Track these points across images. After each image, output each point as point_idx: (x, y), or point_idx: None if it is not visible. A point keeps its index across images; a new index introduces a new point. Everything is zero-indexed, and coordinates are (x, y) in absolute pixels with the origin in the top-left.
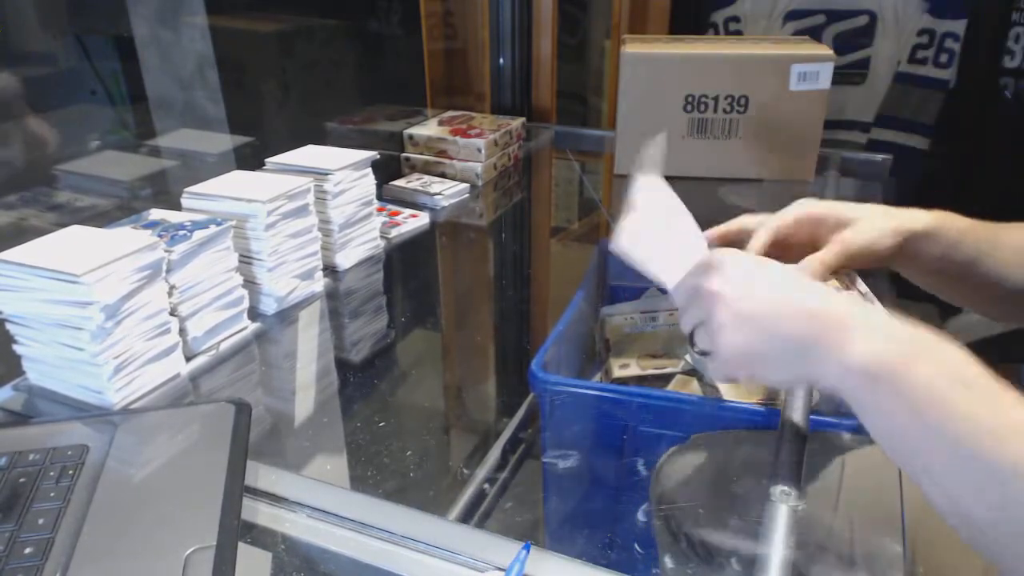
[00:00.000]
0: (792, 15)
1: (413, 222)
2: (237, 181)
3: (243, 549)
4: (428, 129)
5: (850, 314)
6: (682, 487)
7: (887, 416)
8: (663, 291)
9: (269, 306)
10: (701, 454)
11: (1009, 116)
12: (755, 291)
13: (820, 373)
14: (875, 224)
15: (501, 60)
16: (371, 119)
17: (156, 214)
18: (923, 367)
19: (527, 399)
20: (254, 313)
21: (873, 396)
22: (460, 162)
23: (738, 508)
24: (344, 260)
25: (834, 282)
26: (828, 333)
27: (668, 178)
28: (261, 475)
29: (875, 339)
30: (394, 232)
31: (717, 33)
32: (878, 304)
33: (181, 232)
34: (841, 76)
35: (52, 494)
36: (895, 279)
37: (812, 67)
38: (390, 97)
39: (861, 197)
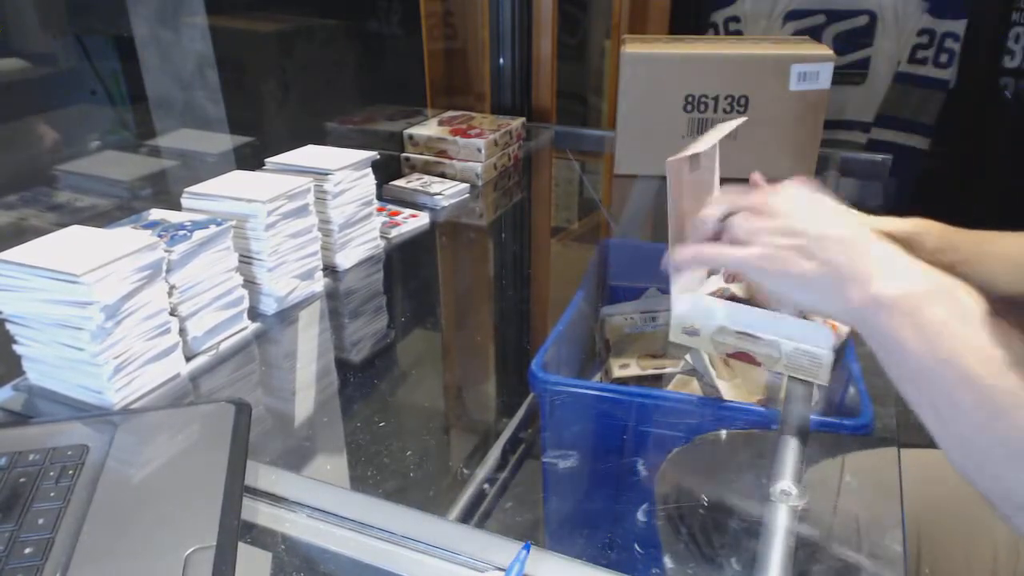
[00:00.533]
0: (792, 15)
1: (413, 222)
2: (237, 181)
3: (243, 549)
4: (428, 129)
5: (880, 250)
6: (685, 487)
7: (902, 347)
8: (663, 290)
9: (269, 306)
10: (704, 455)
11: (1009, 116)
12: (806, 211)
13: (844, 299)
14: None
15: (501, 60)
16: (371, 119)
17: (156, 214)
18: (939, 306)
19: (527, 399)
20: (254, 313)
21: (891, 327)
22: (460, 162)
23: (739, 508)
24: (344, 260)
25: None
26: (860, 263)
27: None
28: (261, 475)
29: (900, 276)
30: (394, 232)
31: (717, 33)
32: None
33: (181, 232)
34: (841, 76)
35: (52, 494)
36: None
37: (812, 67)
38: (390, 97)
39: (861, 197)
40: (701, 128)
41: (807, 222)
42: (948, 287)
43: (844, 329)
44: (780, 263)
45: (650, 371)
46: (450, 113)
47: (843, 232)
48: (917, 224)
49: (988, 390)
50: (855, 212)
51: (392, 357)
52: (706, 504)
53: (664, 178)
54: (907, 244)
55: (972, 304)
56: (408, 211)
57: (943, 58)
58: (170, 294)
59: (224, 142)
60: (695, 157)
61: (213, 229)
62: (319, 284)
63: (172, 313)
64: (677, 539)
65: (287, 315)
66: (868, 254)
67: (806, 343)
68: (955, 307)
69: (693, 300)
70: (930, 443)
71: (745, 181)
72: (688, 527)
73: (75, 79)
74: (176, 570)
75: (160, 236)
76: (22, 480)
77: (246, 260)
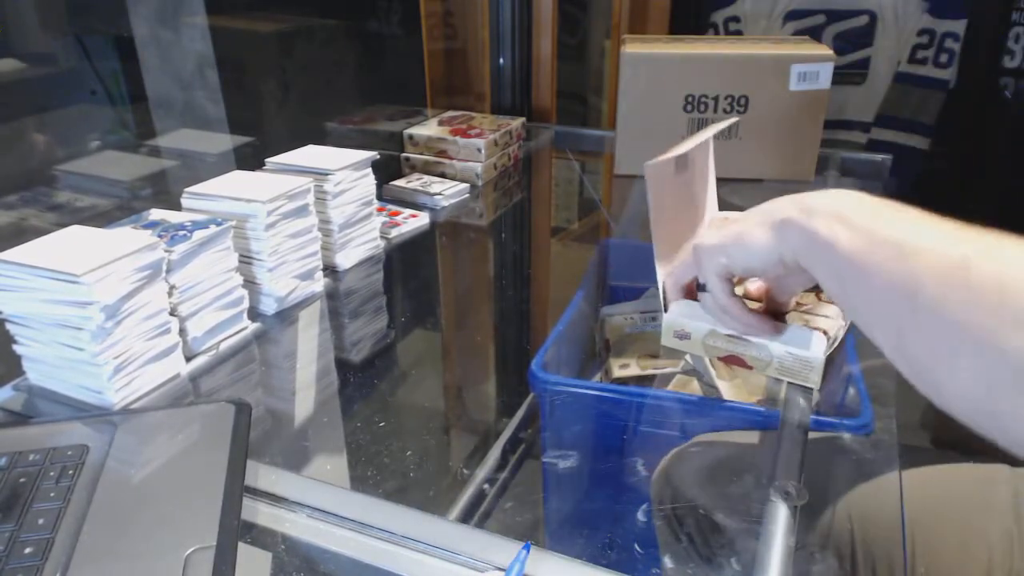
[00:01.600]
0: (792, 15)
1: (413, 222)
2: (237, 181)
3: (243, 549)
4: (428, 129)
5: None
6: (684, 487)
7: (835, 246)
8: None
9: (269, 306)
10: (703, 455)
11: (1009, 116)
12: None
13: (787, 231)
14: None
15: (501, 60)
16: (371, 119)
17: (156, 214)
18: (864, 205)
19: (527, 399)
20: (254, 313)
21: (825, 230)
22: (460, 162)
23: (738, 508)
24: (344, 260)
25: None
26: (791, 201)
27: None
28: (261, 475)
29: (827, 196)
30: (394, 232)
31: (717, 33)
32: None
33: (181, 232)
34: (841, 76)
35: (52, 494)
36: None
37: (812, 67)
38: (390, 97)
39: None
40: (701, 128)
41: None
42: (876, 199)
43: (836, 333)
44: (738, 239)
45: (650, 371)
46: (450, 113)
47: (791, 199)
48: None
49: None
50: None
51: (392, 357)
52: (704, 504)
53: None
54: None
55: (897, 206)
56: (408, 211)
57: (943, 58)
58: (170, 294)
59: (224, 142)
60: (681, 159)
61: (213, 229)
62: (319, 284)
63: (172, 313)
64: (676, 540)
65: (287, 315)
66: (813, 198)
67: (796, 347)
68: (877, 203)
69: (683, 305)
70: (930, 443)
71: (745, 181)
72: (686, 527)
73: (75, 79)
74: (176, 570)
75: (160, 236)
76: (22, 480)
77: (246, 260)
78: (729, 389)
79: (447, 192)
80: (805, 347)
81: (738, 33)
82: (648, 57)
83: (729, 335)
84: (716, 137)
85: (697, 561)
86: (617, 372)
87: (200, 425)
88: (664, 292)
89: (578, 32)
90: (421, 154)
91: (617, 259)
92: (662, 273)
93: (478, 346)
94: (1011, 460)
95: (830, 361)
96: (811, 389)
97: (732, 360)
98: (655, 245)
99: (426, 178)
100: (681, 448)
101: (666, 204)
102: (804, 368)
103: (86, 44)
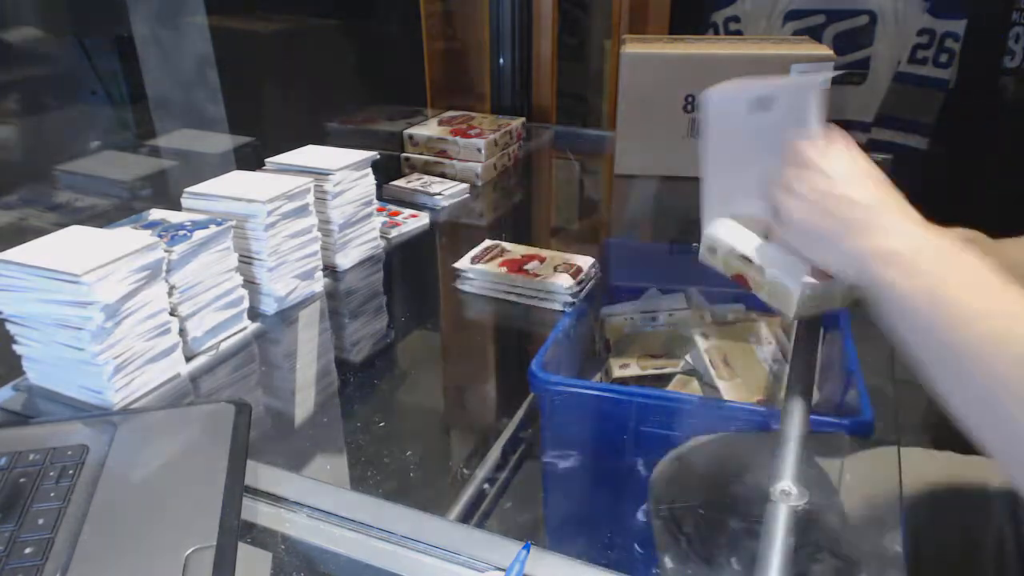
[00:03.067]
0: (792, 15)
1: (413, 222)
2: (237, 181)
3: (243, 549)
4: (428, 129)
5: (894, 210)
6: (682, 488)
7: (892, 289)
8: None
9: (269, 306)
10: (701, 455)
11: (1009, 116)
12: (833, 171)
13: (843, 251)
14: None
15: (501, 60)
16: (371, 119)
17: (156, 214)
18: (931, 253)
19: (527, 399)
20: (254, 313)
21: (883, 275)
22: (460, 162)
23: (738, 508)
24: (344, 260)
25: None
26: (871, 220)
27: (668, 178)
28: (261, 475)
29: (900, 233)
30: (394, 232)
31: (717, 33)
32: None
33: (181, 232)
34: (841, 76)
35: (52, 494)
36: None
37: (812, 67)
38: (390, 97)
39: None
40: (701, 127)
41: (838, 182)
42: (947, 244)
43: (840, 280)
44: (801, 220)
45: (650, 371)
46: (450, 113)
47: (864, 193)
48: (964, 235)
49: (982, 316)
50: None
51: (392, 357)
52: (704, 504)
53: (664, 178)
54: None
55: (968, 255)
56: (408, 211)
57: (943, 58)
58: (170, 294)
59: (224, 142)
60: (763, 100)
61: (213, 229)
62: (319, 284)
63: (172, 313)
64: (675, 541)
65: (287, 315)
66: (882, 214)
67: (783, 275)
68: (948, 254)
69: (718, 222)
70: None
71: None
72: (685, 528)
73: (75, 79)
74: (176, 570)
75: (160, 236)
76: (22, 480)
77: (246, 260)
78: (729, 389)
79: (447, 192)
80: (790, 278)
81: (738, 33)
82: (648, 57)
83: (743, 255)
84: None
85: (697, 561)
86: (617, 372)
87: (200, 425)
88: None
89: (578, 32)
90: (421, 154)
91: (617, 259)
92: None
93: (478, 346)
94: None
95: (830, 361)
96: (811, 387)
97: (739, 279)
98: (705, 181)
99: (426, 178)
100: (679, 449)
101: (726, 147)
102: (785, 296)
103: (86, 44)
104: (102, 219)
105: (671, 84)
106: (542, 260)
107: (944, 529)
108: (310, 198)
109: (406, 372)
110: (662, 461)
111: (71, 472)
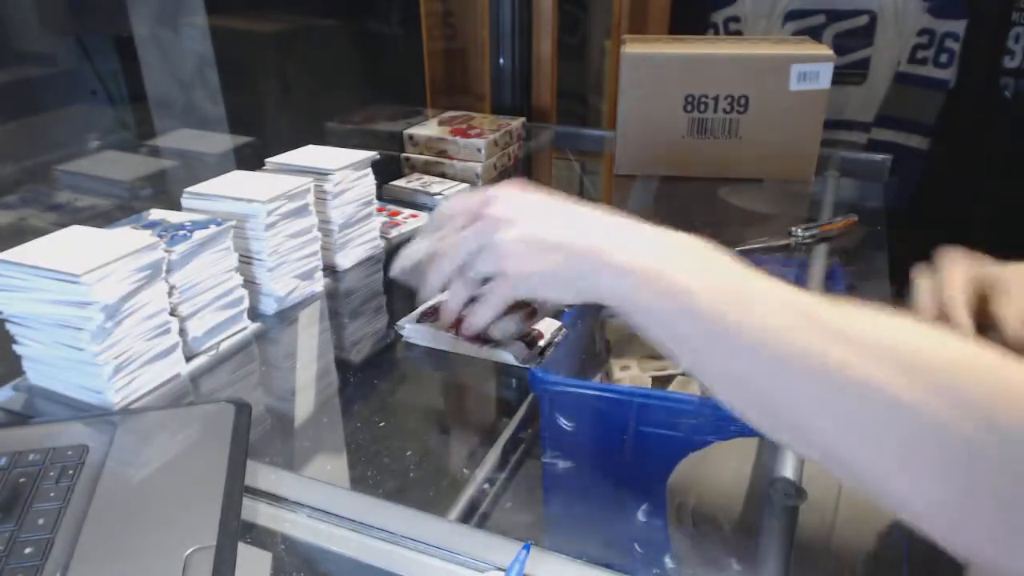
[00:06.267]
0: (792, 15)
1: (413, 222)
2: (237, 181)
3: (243, 549)
4: (428, 129)
5: (619, 226)
6: (699, 492)
7: (651, 310)
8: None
9: (269, 306)
10: (714, 457)
11: (1009, 116)
12: (540, 216)
13: (597, 282)
14: None
15: (501, 60)
16: (371, 119)
17: (156, 214)
18: (677, 260)
19: (527, 399)
20: (254, 313)
21: (639, 295)
22: (460, 162)
23: (739, 508)
24: (344, 260)
25: None
26: (603, 242)
27: (669, 178)
28: (261, 475)
29: (639, 245)
30: (394, 232)
31: (717, 33)
32: None
33: (181, 232)
34: (841, 76)
35: (52, 494)
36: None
37: (812, 67)
38: (390, 97)
39: (861, 197)
40: (701, 128)
41: (545, 225)
42: (688, 244)
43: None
44: (534, 286)
45: (651, 372)
46: (450, 113)
47: (580, 222)
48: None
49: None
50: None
51: (392, 357)
52: (716, 507)
53: (664, 178)
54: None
55: (711, 252)
56: (408, 211)
57: (943, 58)
58: (170, 294)
59: (224, 142)
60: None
61: (213, 229)
62: (319, 284)
63: (172, 313)
64: (692, 543)
65: (287, 315)
66: (607, 232)
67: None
68: (691, 256)
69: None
70: None
71: (746, 181)
72: (699, 530)
73: (75, 79)
74: (176, 570)
75: (160, 236)
76: (22, 480)
77: (246, 260)
78: None
79: (447, 192)
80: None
81: (738, 33)
82: (648, 57)
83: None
84: (717, 137)
85: (706, 563)
86: (618, 373)
87: (200, 425)
88: None
89: (578, 32)
90: (421, 154)
91: None
92: None
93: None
94: None
95: None
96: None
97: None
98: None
99: (426, 178)
100: (694, 453)
101: None
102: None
103: (86, 44)
104: (102, 219)
105: (671, 84)
106: None
107: None
108: (310, 198)
109: (406, 372)
110: (680, 465)
111: (71, 472)
